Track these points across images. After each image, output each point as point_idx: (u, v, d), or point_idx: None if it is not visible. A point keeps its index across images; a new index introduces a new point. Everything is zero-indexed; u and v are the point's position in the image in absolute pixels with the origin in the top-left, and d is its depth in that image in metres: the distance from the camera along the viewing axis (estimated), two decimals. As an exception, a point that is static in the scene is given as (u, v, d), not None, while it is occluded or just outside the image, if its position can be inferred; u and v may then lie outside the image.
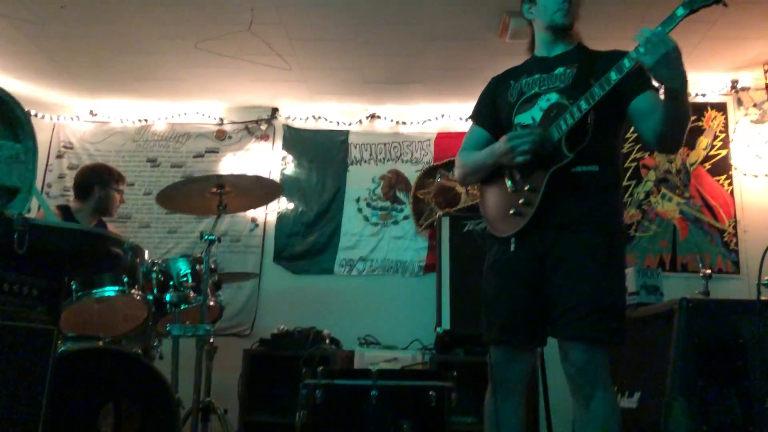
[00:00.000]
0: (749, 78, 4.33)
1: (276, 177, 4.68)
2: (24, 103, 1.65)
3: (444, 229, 3.97)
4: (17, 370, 1.45)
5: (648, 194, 4.36)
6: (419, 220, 4.54)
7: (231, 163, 4.70)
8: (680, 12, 1.74)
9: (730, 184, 4.31)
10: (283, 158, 4.73)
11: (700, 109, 4.41)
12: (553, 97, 1.99)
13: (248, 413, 3.75)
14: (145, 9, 3.61)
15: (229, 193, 2.99)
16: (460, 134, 4.57)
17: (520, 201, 1.96)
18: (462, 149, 2.23)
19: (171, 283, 2.93)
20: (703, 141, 4.39)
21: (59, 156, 4.79)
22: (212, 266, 2.99)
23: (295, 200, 4.64)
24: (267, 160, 4.71)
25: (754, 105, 4.32)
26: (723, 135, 4.38)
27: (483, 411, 2.06)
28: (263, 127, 4.77)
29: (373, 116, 4.74)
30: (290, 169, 4.71)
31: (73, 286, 2.63)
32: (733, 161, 4.33)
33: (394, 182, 4.63)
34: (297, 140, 4.75)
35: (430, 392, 2.16)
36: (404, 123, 4.72)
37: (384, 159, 4.68)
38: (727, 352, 2.51)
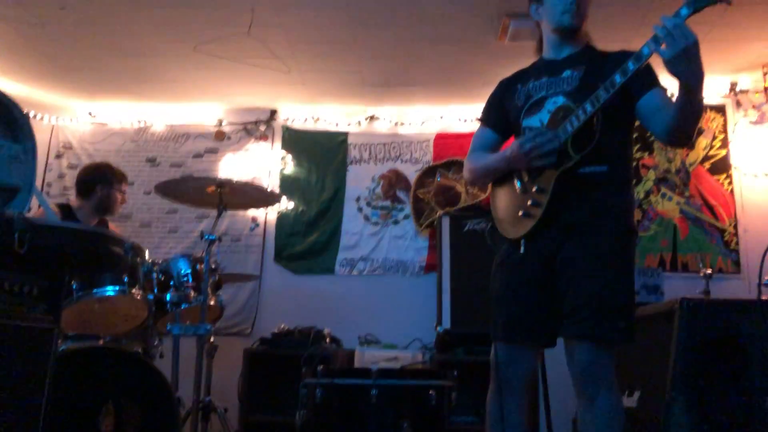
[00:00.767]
0: (748, 80, 4.32)
1: (276, 177, 4.68)
2: (23, 105, 1.65)
3: (444, 229, 3.97)
4: (17, 370, 1.45)
5: (648, 193, 4.37)
6: (419, 220, 4.54)
7: (230, 163, 4.71)
8: (684, 12, 1.71)
9: (730, 183, 4.31)
10: (283, 158, 4.73)
11: (699, 110, 4.41)
12: (560, 100, 1.99)
13: (248, 413, 3.76)
14: (144, 11, 3.61)
15: (229, 193, 3.00)
16: (459, 135, 4.60)
17: (529, 202, 1.96)
18: (471, 151, 2.23)
19: (171, 282, 2.93)
20: (703, 141, 4.39)
21: (58, 156, 4.80)
22: (213, 266, 2.99)
23: (295, 199, 4.64)
24: (266, 159, 4.72)
25: (753, 107, 4.32)
26: (722, 136, 4.39)
27: (483, 410, 2.06)
28: (262, 128, 4.77)
29: (372, 118, 4.75)
30: (290, 168, 4.72)
31: (74, 286, 2.63)
32: (733, 161, 4.33)
33: (394, 182, 4.64)
34: (296, 140, 4.75)
35: (431, 391, 2.16)
36: (403, 124, 4.72)
37: (383, 159, 4.68)
38: (727, 352, 2.50)
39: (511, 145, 2.02)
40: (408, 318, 4.25)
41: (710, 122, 4.41)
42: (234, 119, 4.81)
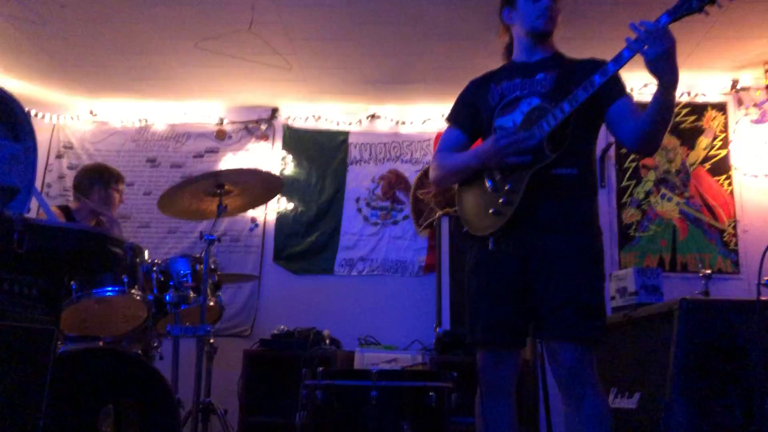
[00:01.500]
0: (749, 78, 4.32)
1: (276, 177, 4.69)
2: (24, 103, 1.65)
3: (444, 229, 3.97)
4: (17, 370, 1.45)
5: (648, 194, 4.36)
6: (419, 220, 4.54)
7: (231, 163, 4.70)
8: (664, 19, 1.80)
9: (730, 184, 4.31)
10: (283, 158, 4.73)
11: (700, 109, 4.41)
12: (535, 101, 2.01)
13: (248, 413, 3.75)
14: (145, 8, 3.61)
15: (230, 192, 2.99)
16: (460, 134, 4.60)
17: (500, 200, 1.96)
18: (438, 150, 2.23)
19: (171, 283, 2.93)
20: (703, 141, 4.39)
21: (59, 156, 4.80)
22: (212, 266, 2.99)
23: (295, 200, 4.64)
24: (267, 159, 4.71)
25: (755, 105, 4.32)
26: (723, 135, 4.38)
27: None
28: (263, 127, 4.77)
29: (373, 116, 4.75)
30: (290, 169, 4.71)
31: (73, 287, 2.63)
32: (733, 161, 4.33)
33: (393, 182, 4.63)
34: (297, 140, 4.75)
35: (430, 393, 2.15)
36: (404, 123, 4.72)
37: (384, 159, 4.68)
38: (727, 352, 2.50)
39: (485, 141, 2.03)
40: (407, 319, 4.25)
41: (711, 121, 4.40)
42: (235, 118, 4.81)
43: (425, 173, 4.62)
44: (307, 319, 4.03)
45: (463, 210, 2.13)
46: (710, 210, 4.28)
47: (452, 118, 2.25)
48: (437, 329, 3.76)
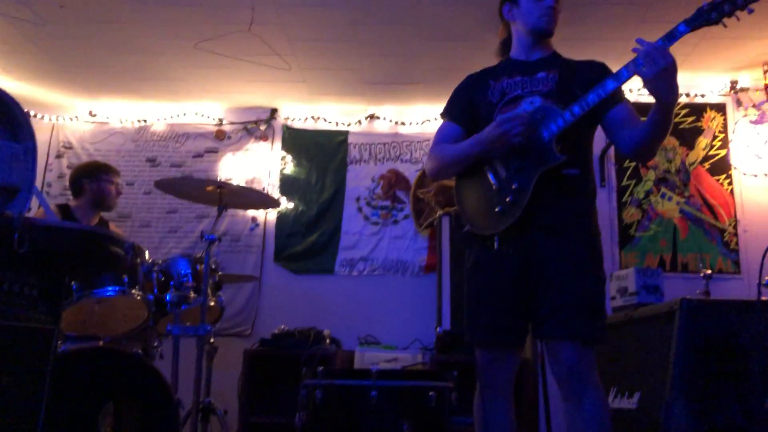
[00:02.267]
0: (748, 78, 4.33)
1: (275, 177, 4.68)
2: (23, 104, 1.65)
3: (444, 229, 3.97)
4: (17, 370, 1.45)
5: (648, 193, 4.36)
6: (419, 220, 4.54)
7: (230, 163, 4.71)
8: (682, 29, 1.80)
9: (730, 183, 4.31)
10: (283, 158, 4.73)
11: (700, 109, 4.41)
12: (537, 100, 2.00)
13: (248, 414, 3.75)
14: (144, 9, 3.61)
15: (229, 194, 3.00)
16: (460, 134, 4.60)
17: (507, 199, 1.95)
18: (435, 144, 2.19)
19: (171, 283, 2.93)
20: (702, 141, 4.39)
21: (59, 156, 4.80)
22: (213, 266, 2.99)
23: (295, 200, 4.64)
24: (266, 159, 4.72)
25: (754, 105, 4.32)
26: (722, 135, 4.39)
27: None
28: (262, 127, 4.77)
29: (372, 117, 4.74)
30: (290, 168, 4.71)
31: (74, 286, 2.63)
32: (733, 161, 4.33)
33: (393, 182, 4.63)
34: (296, 140, 4.75)
35: (431, 392, 2.15)
36: (403, 123, 4.72)
37: (383, 159, 4.68)
38: (727, 352, 2.50)
39: (485, 128, 1.98)
40: (408, 318, 4.25)
41: (710, 121, 4.41)
42: (234, 118, 4.81)
43: (425, 173, 4.62)
44: (307, 319, 4.03)
45: (464, 207, 2.10)
46: (710, 209, 4.28)
47: (448, 112, 2.23)
48: (437, 329, 3.76)
